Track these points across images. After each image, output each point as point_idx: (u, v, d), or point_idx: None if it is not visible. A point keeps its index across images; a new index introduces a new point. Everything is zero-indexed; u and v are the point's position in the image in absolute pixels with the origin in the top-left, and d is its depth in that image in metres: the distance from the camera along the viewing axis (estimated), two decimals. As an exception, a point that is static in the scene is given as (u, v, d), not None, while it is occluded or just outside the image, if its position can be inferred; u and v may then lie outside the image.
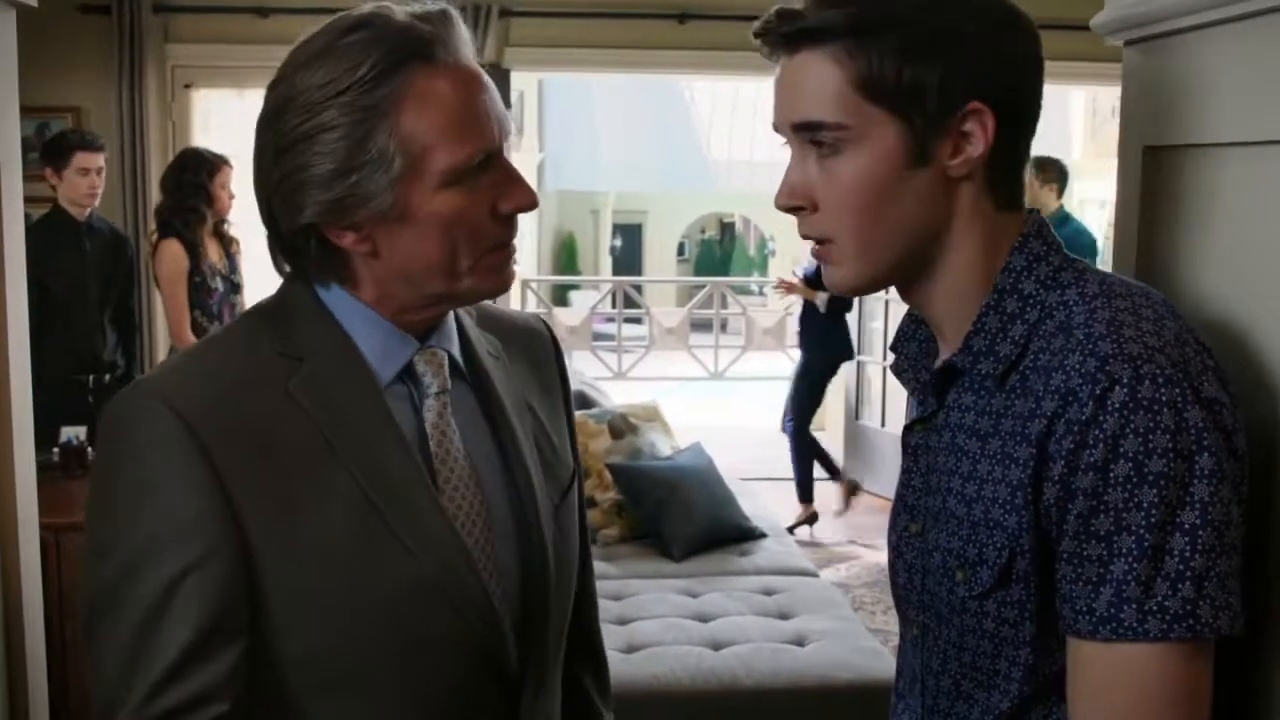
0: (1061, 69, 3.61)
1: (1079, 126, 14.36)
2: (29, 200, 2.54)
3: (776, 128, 1.19)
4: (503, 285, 1.28)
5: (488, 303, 1.45)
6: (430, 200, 1.20)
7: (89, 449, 4.22)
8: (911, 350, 1.32)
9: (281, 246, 1.27)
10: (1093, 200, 12.60)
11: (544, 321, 1.55)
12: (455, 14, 1.23)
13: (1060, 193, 6.36)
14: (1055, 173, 6.25)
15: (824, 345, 6.85)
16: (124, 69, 6.53)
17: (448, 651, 1.25)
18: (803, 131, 1.16)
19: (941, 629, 1.23)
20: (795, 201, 1.18)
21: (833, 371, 7.05)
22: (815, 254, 1.21)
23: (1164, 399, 1.04)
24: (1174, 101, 1.35)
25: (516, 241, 1.30)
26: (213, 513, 1.15)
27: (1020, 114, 1.16)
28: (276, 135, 1.21)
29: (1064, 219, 6.38)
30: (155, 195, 6.56)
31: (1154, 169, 1.41)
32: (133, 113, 6.54)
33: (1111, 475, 1.04)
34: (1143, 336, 1.08)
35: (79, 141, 5.10)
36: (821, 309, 6.68)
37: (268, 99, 1.22)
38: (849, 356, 7.09)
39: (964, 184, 1.16)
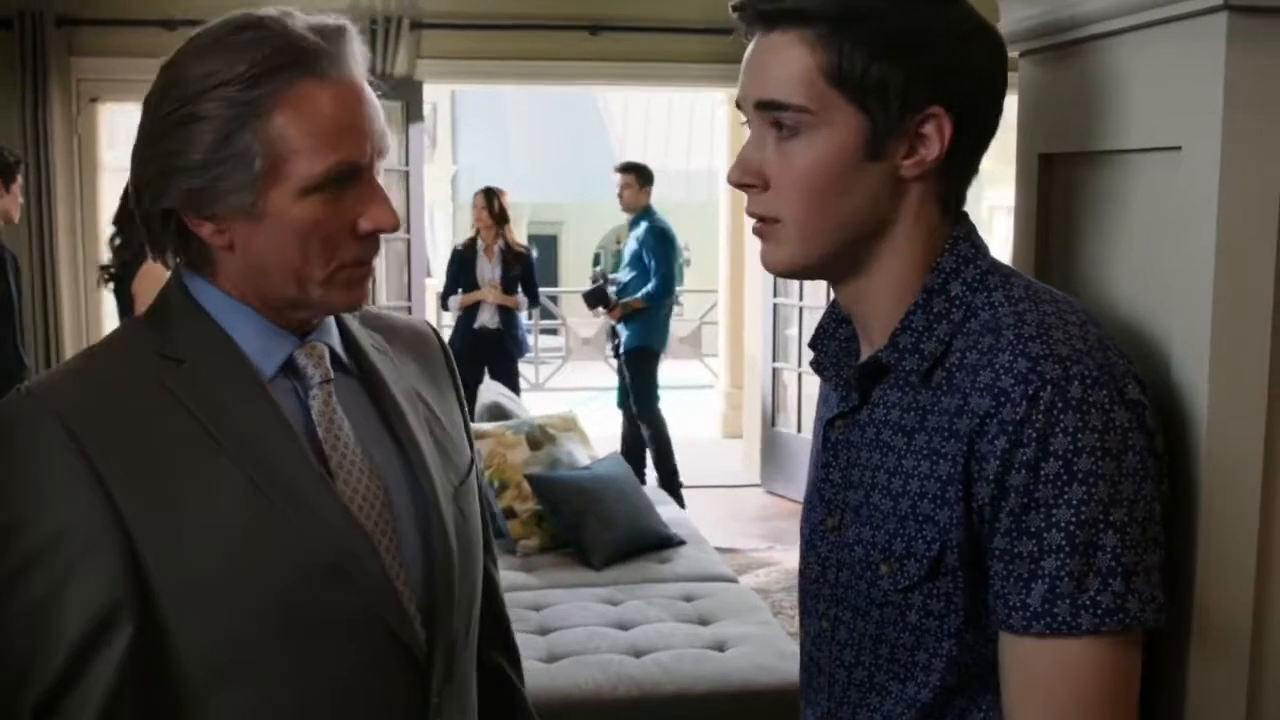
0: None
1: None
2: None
3: (740, 104, 1.21)
4: (354, 301, 1.31)
5: (369, 307, 1.48)
6: (289, 206, 1.22)
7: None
8: (832, 348, 1.34)
9: (145, 222, 1.29)
10: (1002, 206, 12.75)
11: (429, 324, 1.59)
12: (351, 30, 1.26)
13: (648, 193, 7.28)
14: (645, 177, 7.25)
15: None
16: (27, 83, 6.44)
17: (351, 633, 1.27)
18: (765, 110, 1.17)
19: (857, 622, 1.25)
20: (748, 179, 1.20)
21: None
22: (756, 232, 1.23)
23: (1092, 399, 1.08)
24: (1070, 110, 1.39)
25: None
26: (95, 512, 1.18)
27: (978, 126, 1.19)
28: (156, 117, 1.23)
29: (643, 216, 7.24)
30: (61, 212, 6.48)
31: (1049, 176, 1.45)
32: (37, 127, 6.44)
33: (1042, 473, 1.08)
34: (1070, 339, 1.11)
35: (17, 159, 5.09)
36: (522, 309, 7.54)
37: (158, 77, 1.25)
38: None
39: (914, 186, 1.18)
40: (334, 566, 1.25)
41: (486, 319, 7.39)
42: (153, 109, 1.24)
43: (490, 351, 7.38)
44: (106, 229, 6.75)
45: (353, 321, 1.42)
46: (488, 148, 20.25)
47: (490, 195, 7.43)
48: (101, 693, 1.17)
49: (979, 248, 1.22)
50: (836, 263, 1.22)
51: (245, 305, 1.29)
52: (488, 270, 7.39)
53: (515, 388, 7.40)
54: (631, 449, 7.17)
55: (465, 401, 1.56)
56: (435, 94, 7.13)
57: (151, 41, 6.38)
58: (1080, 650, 1.08)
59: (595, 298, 7.30)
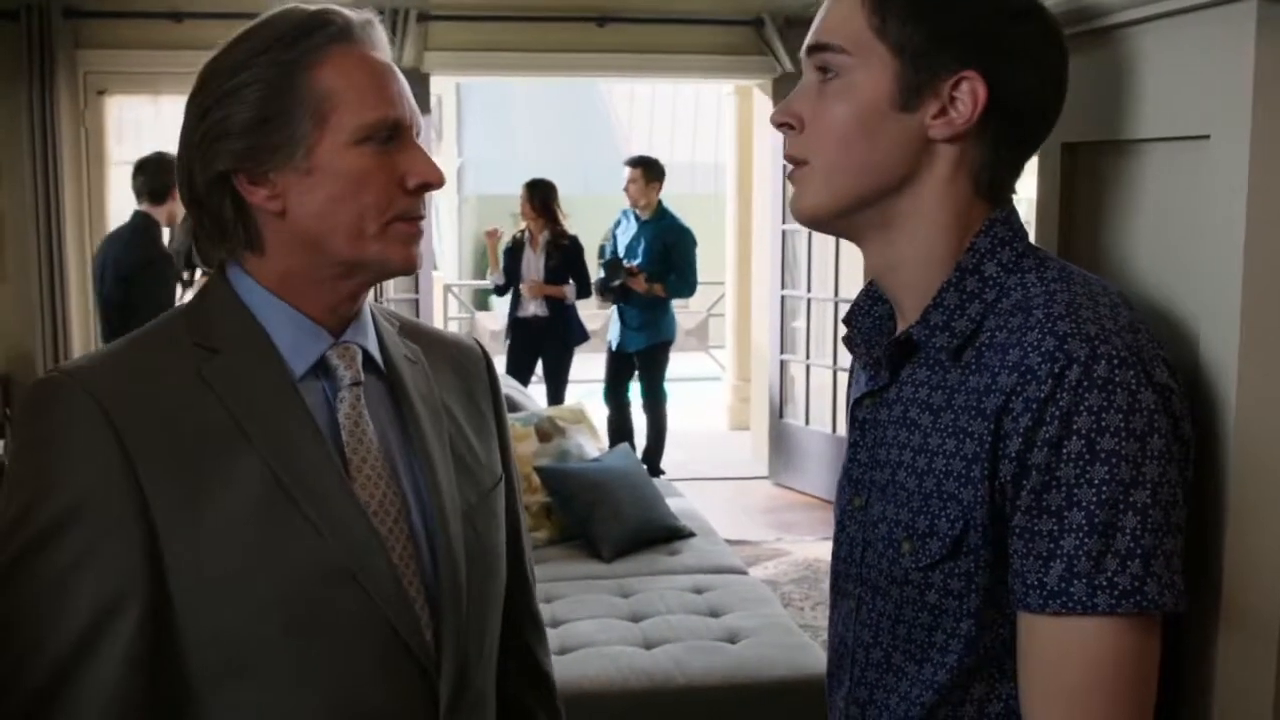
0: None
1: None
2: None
3: (803, 58, 1.28)
4: (408, 259, 1.32)
5: (412, 319, 1.51)
6: (340, 156, 1.26)
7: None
8: (866, 325, 1.35)
9: (198, 206, 1.30)
10: (1019, 199, 12.69)
11: (479, 343, 1.59)
12: (378, 23, 1.32)
13: (658, 189, 7.39)
14: (655, 171, 7.36)
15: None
16: (34, 76, 6.42)
17: (360, 636, 1.27)
18: (814, 54, 1.23)
19: (877, 601, 1.25)
20: (787, 118, 1.25)
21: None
22: (789, 177, 1.27)
23: (1118, 379, 1.08)
24: (1092, 99, 1.38)
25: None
26: (119, 491, 1.19)
27: (1020, 106, 1.20)
28: (200, 99, 1.27)
29: (663, 213, 7.38)
30: (69, 206, 6.47)
31: (1072, 165, 1.45)
32: (44, 120, 6.43)
33: (1064, 451, 1.08)
34: (1100, 319, 1.12)
35: None
36: (571, 299, 7.41)
37: (200, 72, 1.29)
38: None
39: (943, 149, 1.20)
40: (346, 568, 1.25)
41: (535, 308, 7.41)
42: (197, 95, 1.28)
43: (541, 341, 7.42)
44: (115, 222, 6.80)
45: (390, 329, 1.43)
46: (493, 140, 20.24)
47: (534, 188, 7.41)
48: (110, 675, 1.18)
49: (1017, 231, 1.23)
50: (860, 214, 1.24)
51: (283, 301, 1.31)
52: (533, 262, 7.40)
53: (563, 380, 7.45)
54: (620, 439, 7.16)
55: (506, 425, 1.55)
56: (439, 86, 7.16)
57: (159, 34, 6.39)
58: (1095, 630, 1.08)
59: (615, 270, 7.31)
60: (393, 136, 1.28)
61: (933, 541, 1.18)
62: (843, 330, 1.38)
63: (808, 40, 1.25)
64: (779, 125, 1.26)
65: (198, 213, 1.31)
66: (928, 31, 1.17)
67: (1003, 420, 1.12)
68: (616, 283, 7.26)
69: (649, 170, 7.34)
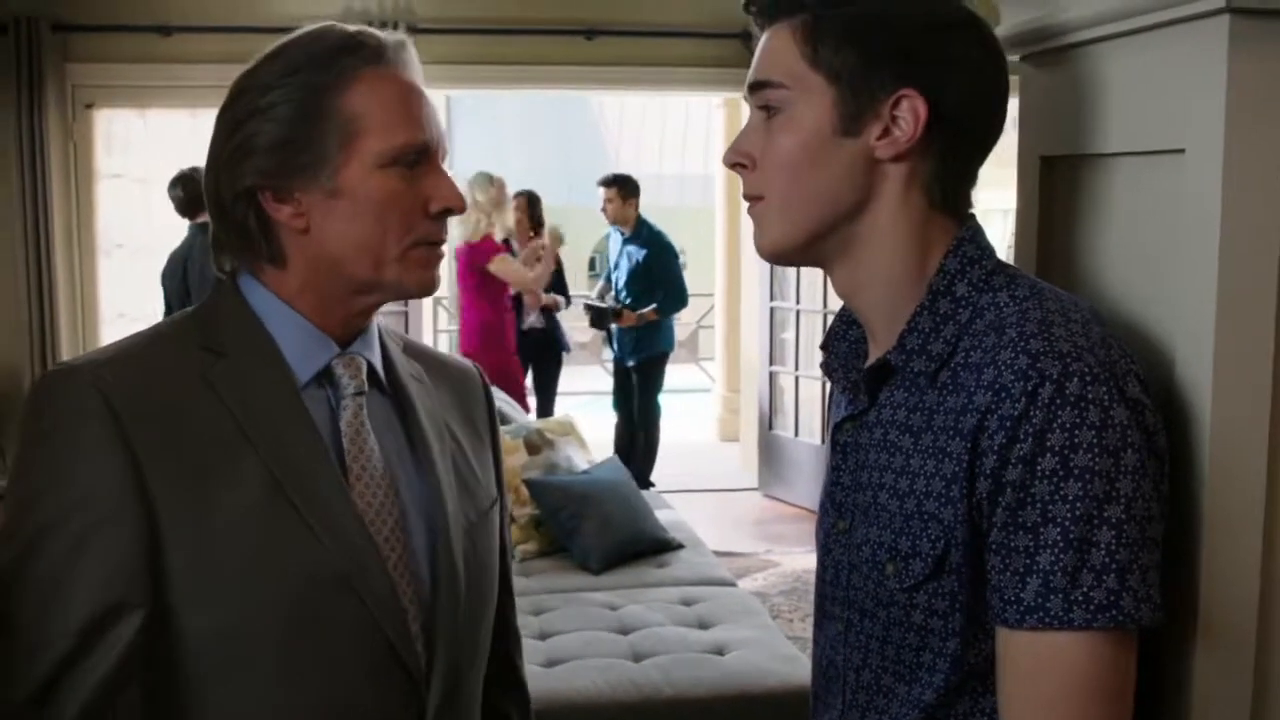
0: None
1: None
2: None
3: (745, 98, 1.28)
4: (427, 282, 1.34)
5: (413, 340, 1.53)
6: (366, 179, 1.27)
7: None
8: (842, 350, 1.35)
9: (222, 218, 1.32)
10: (996, 210, 12.77)
11: (477, 367, 1.61)
12: (411, 44, 1.35)
13: (636, 205, 7.43)
14: (630, 189, 7.39)
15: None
16: (22, 89, 6.42)
17: (353, 642, 1.28)
18: (755, 92, 1.24)
19: (865, 623, 1.25)
20: (738, 158, 1.26)
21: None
22: (749, 213, 1.28)
23: (1090, 396, 1.08)
24: (1067, 113, 1.40)
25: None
26: (122, 484, 1.20)
27: (961, 116, 1.20)
28: (231, 114, 1.29)
29: (642, 228, 7.40)
30: (57, 218, 6.46)
31: (1050, 178, 1.46)
32: (32, 133, 6.43)
33: (1039, 468, 1.08)
34: (1072, 336, 1.12)
35: None
36: (562, 309, 7.52)
37: (232, 86, 1.31)
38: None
39: (891, 169, 1.21)
40: (343, 575, 1.26)
41: (534, 320, 7.42)
42: (228, 109, 1.30)
43: (536, 352, 7.42)
44: (103, 235, 6.80)
45: (395, 347, 1.45)
46: (483, 152, 20.23)
47: (533, 201, 7.44)
48: (106, 669, 1.18)
49: (984, 249, 1.23)
50: (820, 243, 1.24)
51: (294, 310, 1.32)
52: None
53: (553, 392, 7.49)
54: (627, 451, 7.19)
55: (500, 448, 1.57)
56: (429, 99, 7.17)
57: (147, 47, 6.37)
58: (1072, 645, 1.09)
59: (602, 317, 7.35)
60: (419, 160, 1.30)
61: (915, 562, 1.18)
62: (821, 356, 1.38)
63: (748, 79, 1.25)
64: (731, 166, 1.27)
65: (221, 224, 1.32)
66: (861, 55, 1.18)
67: (979, 439, 1.12)
68: (605, 328, 7.33)
69: (624, 188, 7.36)
